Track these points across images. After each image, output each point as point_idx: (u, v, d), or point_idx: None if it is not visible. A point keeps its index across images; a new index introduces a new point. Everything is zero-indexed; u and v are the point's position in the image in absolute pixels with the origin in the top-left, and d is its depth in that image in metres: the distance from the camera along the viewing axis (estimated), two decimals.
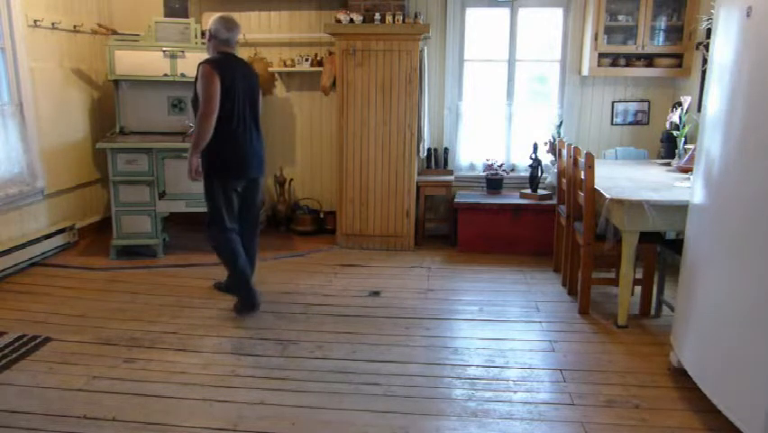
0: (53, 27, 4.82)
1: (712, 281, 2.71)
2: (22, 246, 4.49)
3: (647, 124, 5.49)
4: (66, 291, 4.19)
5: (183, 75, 5.04)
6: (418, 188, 5.33)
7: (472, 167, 5.74)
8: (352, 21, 4.99)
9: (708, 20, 4.34)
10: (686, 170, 4.02)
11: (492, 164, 5.50)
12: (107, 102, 5.46)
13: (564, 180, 4.35)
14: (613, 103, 5.50)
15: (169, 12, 5.19)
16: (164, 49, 5.00)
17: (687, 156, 4.24)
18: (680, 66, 5.09)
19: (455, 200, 5.28)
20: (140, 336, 3.50)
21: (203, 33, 5.15)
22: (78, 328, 3.58)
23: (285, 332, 3.58)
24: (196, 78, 3.60)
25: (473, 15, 5.54)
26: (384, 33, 4.97)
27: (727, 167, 2.61)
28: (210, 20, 3.78)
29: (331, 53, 5.32)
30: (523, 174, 5.53)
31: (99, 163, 5.40)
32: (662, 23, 5.09)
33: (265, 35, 5.61)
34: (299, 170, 5.90)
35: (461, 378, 3.07)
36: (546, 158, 5.28)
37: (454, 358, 3.28)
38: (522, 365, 3.21)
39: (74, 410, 2.71)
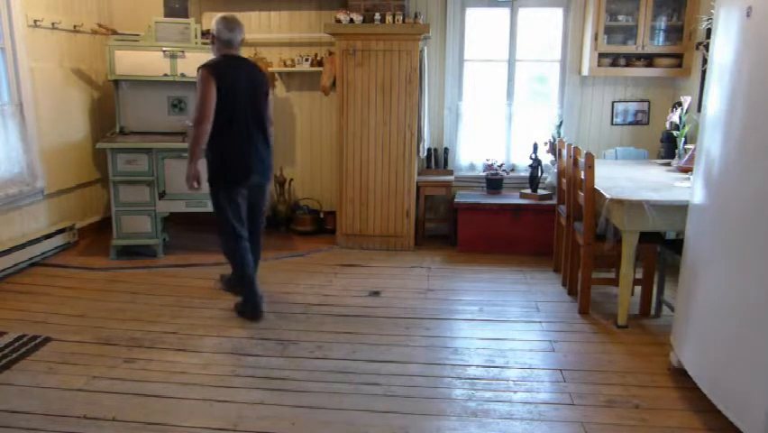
0: (53, 27, 4.82)
1: (712, 281, 2.71)
2: (22, 246, 4.49)
3: (647, 124, 5.49)
4: (66, 291, 4.19)
5: (183, 75, 5.04)
6: (418, 188, 5.33)
7: (472, 167, 5.74)
8: (352, 21, 4.99)
9: (708, 20, 4.34)
10: (686, 170, 4.02)
11: (492, 164, 5.50)
12: (107, 102, 5.46)
13: (564, 180, 4.35)
14: (613, 103, 5.51)
15: (169, 12, 5.18)
16: (164, 49, 5.00)
17: (687, 156, 4.24)
18: (680, 66, 5.09)
19: (455, 200, 5.28)
20: (140, 336, 3.50)
21: (203, 33, 5.17)
22: (78, 328, 3.58)
23: (285, 332, 3.58)
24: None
25: (473, 15, 5.54)
26: (384, 33, 4.97)
27: (727, 167, 2.61)
28: (213, 20, 3.71)
29: (331, 53, 5.32)
30: (523, 174, 5.53)
31: (99, 163, 5.40)
32: (662, 22, 5.09)
33: (265, 35, 5.61)
34: (299, 170, 5.90)
35: (461, 378, 3.07)
36: (546, 158, 5.28)
37: (454, 358, 3.28)
38: (522, 365, 3.22)
39: (74, 410, 2.71)
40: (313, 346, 3.40)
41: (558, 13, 5.45)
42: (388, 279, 4.55)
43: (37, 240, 4.65)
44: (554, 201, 4.97)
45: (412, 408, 2.78)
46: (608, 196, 3.51)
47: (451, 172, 5.60)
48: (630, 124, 5.52)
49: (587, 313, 3.89)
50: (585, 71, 5.26)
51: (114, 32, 5.24)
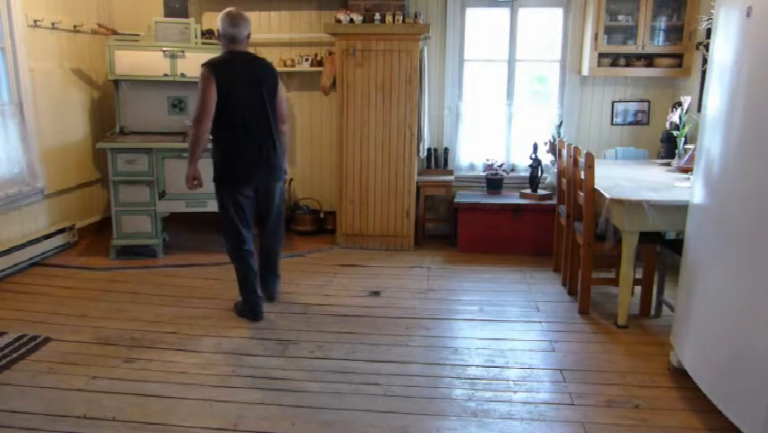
0: (53, 27, 4.82)
1: (712, 281, 2.71)
2: (22, 246, 4.49)
3: (647, 124, 5.49)
4: (66, 291, 4.19)
5: (183, 75, 5.04)
6: (418, 188, 5.33)
7: (472, 167, 5.74)
8: (352, 21, 4.99)
9: (708, 20, 4.34)
10: (686, 170, 4.02)
11: (492, 164, 5.50)
12: (107, 102, 5.46)
13: (564, 180, 4.35)
14: (613, 103, 5.51)
15: (169, 12, 5.18)
16: (164, 49, 5.00)
17: (687, 156, 4.24)
18: (680, 66, 5.09)
19: (455, 200, 5.28)
20: (140, 336, 3.50)
21: (203, 33, 5.17)
22: (78, 328, 3.58)
23: (285, 332, 3.58)
24: None
25: (473, 15, 5.54)
26: (384, 33, 4.97)
27: (727, 167, 2.61)
28: (219, 16, 3.60)
29: (331, 53, 5.31)
30: (523, 174, 5.53)
31: (99, 163, 5.40)
32: (662, 23, 5.09)
33: (265, 35, 5.61)
34: (299, 170, 5.90)
35: (461, 378, 3.07)
36: (546, 158, 5.28)
37: (454, 358, 3.28)
38: (522, 365, 3.21)
39: (74, 410, 2.71)
40: (313, 346, 3.40)
41: (558, 13, 5.45)
42: (388, 279, 4.55)
43: (37, 240, 4.65)
44: (554, 201, 4.97)
45: (412, 408, 2.78)
46: (607, 196, 3.51)
47: (451, 172, 5.60)
48: (630, 124, 5.52)
49: (587, 313, 3.89)
50: (585, 71, 5.26)
51: (114, 32, 5.24)
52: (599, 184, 3.72)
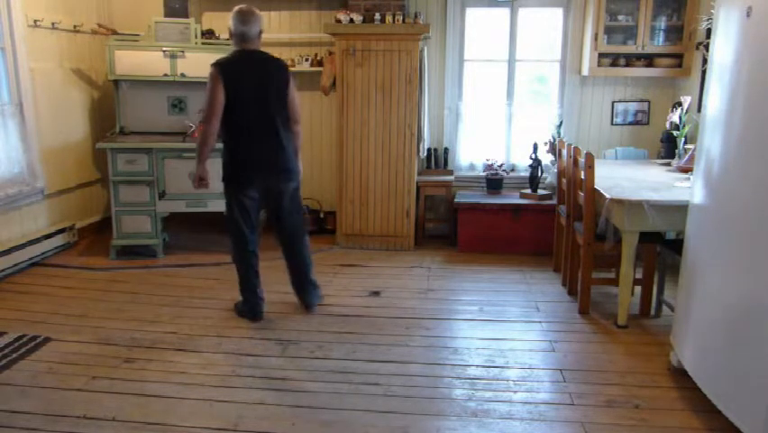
0: (53, 27, 4.82)
1: (712, 281, 2.71)
2: (22, 246, 4.49)
3: (647, 124, 5.49)
4: (66, 291, 4.19)
5: (183, 75, 5.04)
6: (418, 188, 5.33)
7: (472, 167, 5.74)
8: (352, 21, 4.99)
9: (708, 20, 4.34)
10: (686, 170, 4.02)
11: (492, 164, 5.50)
12: (107, 102, 5.46)
13: (564, 180, 4.35)
14: (613, 103, 5.51)
15: (169, 12, 5.18)
16: (164, 49, 5.00)
17: (687, 156, 4.24)
18: (680, 66, 5.09)
19: (455, 200, 5.28)
20: (140, 336, 3.50)
21: (203, 33, 5.17)
22: (78, 328, 3.58)
23: (285, 332, 3.58)
24: None
25: (473, 15, 5.54)
26: (384, 33, 4.97)
27: (727, 167, 2.61)
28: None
29: (331, 53, 5.31)
30: (523, 174, 5.53)
31: (99, 163, 5.40)
32: (662, 23, 5.09)
33: (265, 35, 5.53)
34: None
35: (461, 378, 3.07)
36: (546, 158, 5.28)
37: (454, 358, 3.28)
38: (522, 365, 3.21)
39: (74, 410, 2.71)
40: (313, 346, 3.40)
41: (558, 13, 5.45)
42: (388, 279, 4.55)
43: (37, 240, 4.65)
44: (554, 201, 4.97)
45: (412, 408, 2.78)
46: (608, 196, 3.51)
47: (451, 172, 5.60)
48: (630, 124, 5.52)
49: (587, 313, 3.89)
50: (585, 71, 5.26)
51: (114, 32, 5.24)
52: (599, 184, 3.72)
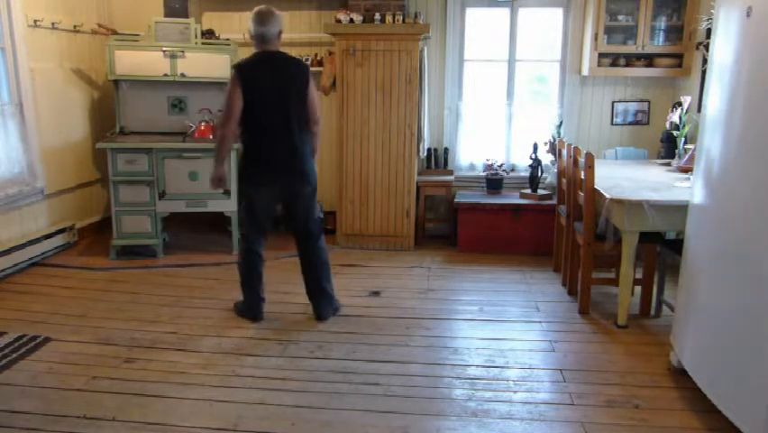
0: (53, 27, 4.82)
1: (712, 281, 2.71)
2: (22, 246, 4.49)
3: (647, 124, 5.49)
4: (66, 291, 4.19)
5: (183, 75, 5.04)
6: (418, 188, 5.33)
7: (472, 167, 5.74)
8: (352, 21, 4.99)
9: (708, 20, 4.34)
10: (686, 170, 4.02)
11: (492, 164, 5.50)
12: (107, 102, 5.46)
13: (564, 180, 4.35)
14: (613, 103, 5.51)
15: (169, 12, 5.18)
16: (164, 49, 5.00)
17: (687, 156, 4.24)
18: (680, 66, 5.09)
19: (455, 200, 5.28)
20: (140, 336, 3.50)
21: (203, 33, 5.17)
22: (78, 328, 3.58)
23: (285, 332, 3.58)
24: None
25: (473, 15, 5.54)
26: (384, 33, 4.97)
27: (727, 167, 2.61)
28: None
29: (331, 53, 5.32)
30: (523, 174, 5.53)
31: (99, 163, 5.40)
32: (662, 22, 5.09)
33: None
34: None
35: (461, 378, 3.07)
36: (546, 158, 5.28)
37: (454, 358, 3.28)
38: (522, 365, 3.21)
39: (74, 410, 2.71)
40: (313, 346, 3.40)
41: (558, 13, 5.45)
42: (388, 279, 4.55)
43: (37, 240, 4.65)
44: (554, 201, 4.97)
45: (412, 408, 2.78)
46: (607, 196, 3.51)
47: (451, 172, 5.60)
48: (630, 124, 5.52)
49: (587, 313, 3.89)
50: (585, 71, 5.26)
51: (114, 32, 5.24)
52: (599, 184, 3.72)
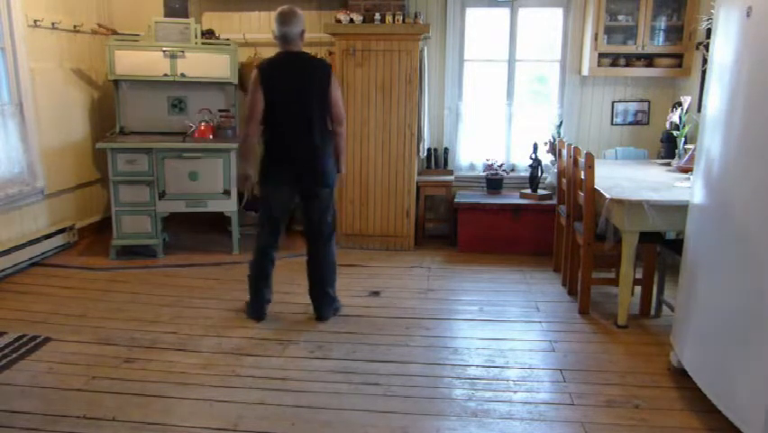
0: (53, 27, 4.82)
1: (712, 281, 2.71)
2: (22, 246, 4.49)
3: (647, 124, 5.49)
4: (66, 291, 4.19)
5: (183, 75, 5.04)
6: (418, 188, 5.33)
7: (472, 167, 5.74)
8: (352, 21, 4.99)
9: (708, 20, 4.34)
10: (686, 170, 4.02)
11: (492, 164, 5.50)
12: (107, 102, 5.46)
13: (564, 180, 4.35)
14: (613, 103, 5.51)
15: (169, 12, 5.18)
16: (164, 49, 5.00)
17: (687, 156, 4.24)
18: (680, 66, 5.09)
19: (455, 200, 5.28)
20: (140, 336, 3.50)
21: (203, 33, 5.17)
22: (78, 328, 3.58)
23: (285, 332, 3.58)
24: None
25: (473, 15, 5.54)
26: (384, 33, 4.97)
27: (727, 167, 2.61)
28: None
29: (331, 53, 5.31)
30: (523, 174, 5.53)
31: (99, 163, 5.40)
32: (662, 22, 5.09)
33: (265, 35, 5.57)
34: None
35: (461, 378, 3.07)
36: (546, 158, 5.28)
37: (454, 358, 3.28)
38: (522, 365, 3.22)
39: (74, 410, 2.71)
40: (313, 346, 3.40)
41: (558, 13, 5.45)
42: (388, 279, 4.55)
43: (37, 240, 4.65)
44: (554, 201, 4.97)
45: (412, 408, 2.78)
46: (607, 196, 3.51)
47: (451, 172, 5.60)
48: (630, 124, 5.52)
49: (587, 313, 3.89)
50: (585, 71, 5.26)
51: (114, 32, 5.24)
52: (599, 184, 3.72)
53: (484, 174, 5.51)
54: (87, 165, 5.39)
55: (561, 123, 5.31)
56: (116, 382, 2.96)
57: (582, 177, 3.82)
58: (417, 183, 5.30)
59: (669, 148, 4.85)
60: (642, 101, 5.48)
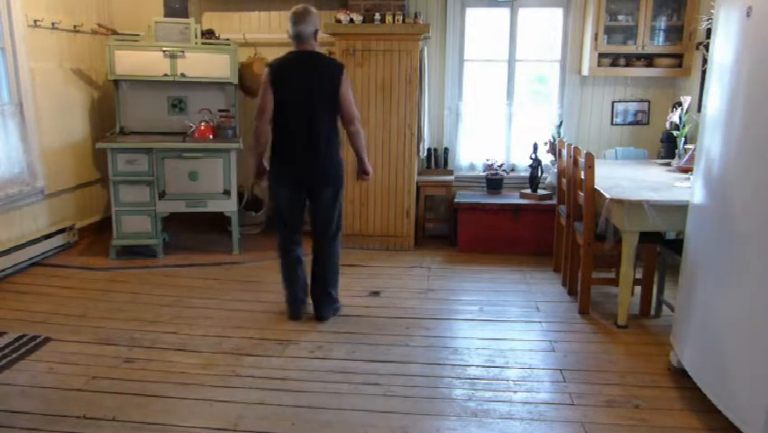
0: (53, 27, 4.82)
1: (712, 281, 2.71)
2: (22, 246, 4.49)
3: (647, 124, 5.49)
4: (66, 291, 4.19)
5: (183, 75, 5.04)
6: (418, 188, 5.33)
7: (472, 167, 5.74)
8: (352, 21, 4.99)
9: (708, 20, 4.34)
10: (686, 170, 4.02)
11: (492, 164, 5.50)
12: (107, 102, 5.45)
13: (564, 180, 4.35)
14: (613, 103, 5.51)
15: (169, 12, 5.18)
16: (164, 49, 4.99)
17: (687, 156, 4.24)
18: (680, 66, 5.09)
19: (455, 200, 5.28)
20: (140, 336, 3.50)
21: (203, 33, 5.17)
22: (78, 328, 3.58)
23: (285, 332, 3.58)
24: None
25: (473, 15, 5.54)
26: (384, 33, 4.97)
27: (727, 167, 2.61)
28: None
29: (331, 53, 5.31)
30: (523, 174, 5.53)
31: (99, 163, 5.40)
32: (662, 23, 5.09)
33: (265, 35, 5.61)
34: None
35: (461, 378, 3.07)
36: (546, 158, 5.28)
37: (454, 358, 3.28)
38: (522, 365, 3.21)
39: (74, 410, 2.71)
40: (313, 346, 3.40)
41: (558, 13, 5.45)
42: (388, 279, 4.55)
43: (37, 240, 4.65)
44: (554, 201, 4.97)
45: (412, 408, 2.78)
46: (607, 196, 3.51)
47: (451, 172, 5.60)
48: (630, 124, 5.52)
49: (587, 313, 3.89)
50: (585, 71, 5.27)
51: (114, 32, 5.24)
52: (599, 184, 3.72)
53: (484, 174, 5.51)
54: (87, 165, 5.39)
55: (561, 123, 5.31)
56: (116, 382, 2.96)
57: (582, 177, 3.82)
58: (417, 183, 5.30)
59: (669, 148, 4.85)
60: (642, 101, 5.48)
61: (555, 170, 4.86)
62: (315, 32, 3.52)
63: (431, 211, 5.74)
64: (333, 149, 3.60)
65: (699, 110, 3.99)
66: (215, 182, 4.90)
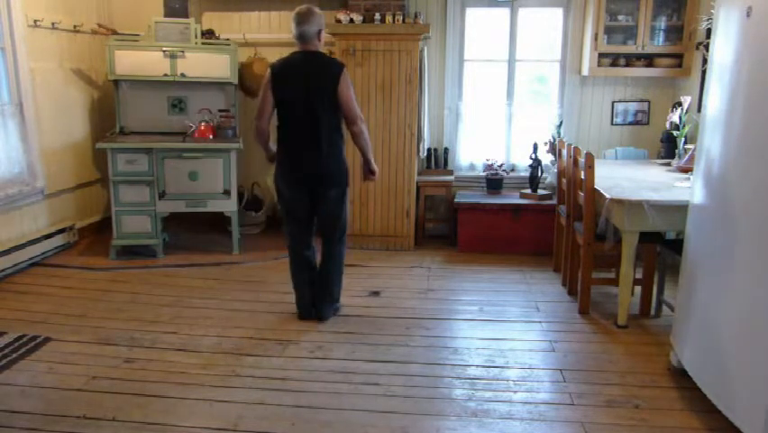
0: (53, 27, 4.82)
1: (712, 281, 2.71)
2: (22, 246, 4.49)
3: (647, 124, 5.49)
4: (66, 291, 4.19)
5: (183, 75, 5.04)
6: (418, 188, 5.33)
7: (472, 167, 5.74)
8: (352, 21, 4.99)
9: (708, 20, 4.34)
10: (686, 170, 4.02)
11: (492, 164, 5.50)
12: (107, 102, 5.45)
13: (564, 180, 4.35)
14: (613, 103, 5.51)
15: (169, 12, 5.18)
16: (164, 49, 4.99)
17: (687, 156, 4.24)
18: (680, 66, 5.09)
19: (455, 200, 5.28)
20: (140, 336, 3.50)
21: (203, 33, 5.17)
22: (78, 328, 3.58)
23: (285, 332, 3.58)
24: None
25: (473, 15, 5.54)
26: (384, 33, 4.97)
27: (727, 167, 2.61)
28: None
29: (331, 53, 5.30)
30: (523, 174, 5.53)
31: (99, 163, 5.40)
32: (662, 23, 5.09)
33: (265, 35, 5.61)
34: None
35: (461, 378, 3.07)
36: (546, 158, 5.28)
37: (454, 358, 3.28)
38: (522, 365, 3.21)
39: (74, 410, 2.71)
40: (313, 346, 3.40)
41: (558, 13, 5.45)
42: (388, 279, 4.55)
43: (37, 240, 4.65)
44: (554, 201, 4.97)
45: (412, 408, 2.78)
46: (607, 196, 3.51)
47: (451, 172, 5.59)
48: (630, 124, 5.52)
49: (587, 313, 3.89)
50: (585, 71, 5.26)
51: (114, 32, 5.24)
52: (599, 184, 3.72)
53: (484, 174, 5.51)
54: (87, 165, 5.39)
55: (561, 123, 5.31)
56: (116, 382, 2.96)
57: (582, 177, 3.82)
58: (417, 183, 5.30)
59: (669, 148, 4.85)
60: (642, 101, 5.48)
61: (555, 170, 4.86)
62: (319, 33, 3.52)
63: (431, 211, 5.74)
64: (336, 149, 3.58)
65: (699, 110, 3.98)
66: (215, 182, 4.90)
